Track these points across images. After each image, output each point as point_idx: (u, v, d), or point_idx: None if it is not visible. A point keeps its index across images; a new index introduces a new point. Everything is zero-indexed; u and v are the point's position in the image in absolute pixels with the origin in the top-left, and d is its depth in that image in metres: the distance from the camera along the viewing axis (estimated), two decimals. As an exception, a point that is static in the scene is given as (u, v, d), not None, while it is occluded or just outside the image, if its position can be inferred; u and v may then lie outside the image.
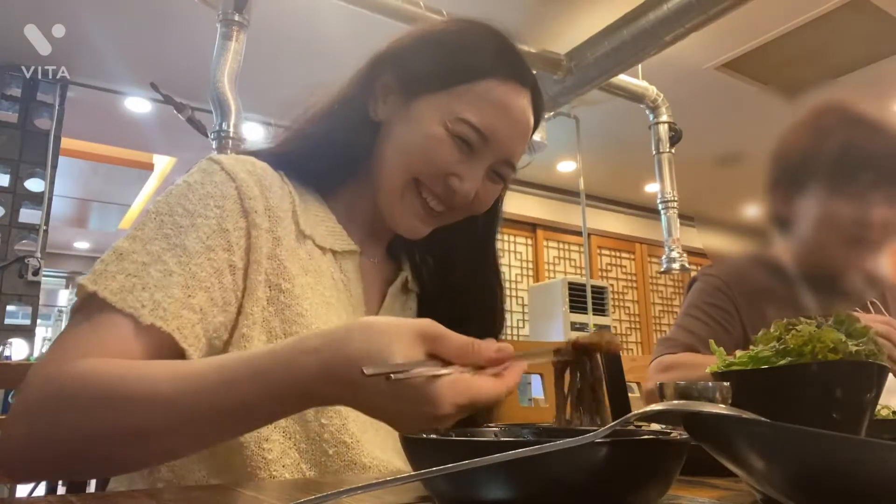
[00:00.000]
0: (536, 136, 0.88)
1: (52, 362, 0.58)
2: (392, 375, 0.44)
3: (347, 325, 0.51)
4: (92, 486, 0.80)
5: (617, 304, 5.71)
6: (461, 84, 0.77)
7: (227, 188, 0.70)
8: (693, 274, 1.35)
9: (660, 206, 3.57)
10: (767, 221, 1.18)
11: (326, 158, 0.80)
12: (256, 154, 0.80)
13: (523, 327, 5.21)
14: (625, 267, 5.95)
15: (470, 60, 0.78)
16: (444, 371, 0.47)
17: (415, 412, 0.48)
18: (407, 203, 0.77)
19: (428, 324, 0.50)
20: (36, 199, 3.46)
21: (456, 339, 0.49)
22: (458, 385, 0.47)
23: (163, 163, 5.19)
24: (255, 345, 0.68)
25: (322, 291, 0.75)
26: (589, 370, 0.54)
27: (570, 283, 4.82)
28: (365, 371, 0.45)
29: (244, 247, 0.69)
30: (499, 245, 0.91)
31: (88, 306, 0.61)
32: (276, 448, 0.66)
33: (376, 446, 0.71)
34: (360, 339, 0.49)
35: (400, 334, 0.48)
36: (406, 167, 0.77)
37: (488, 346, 0.50)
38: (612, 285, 5.60)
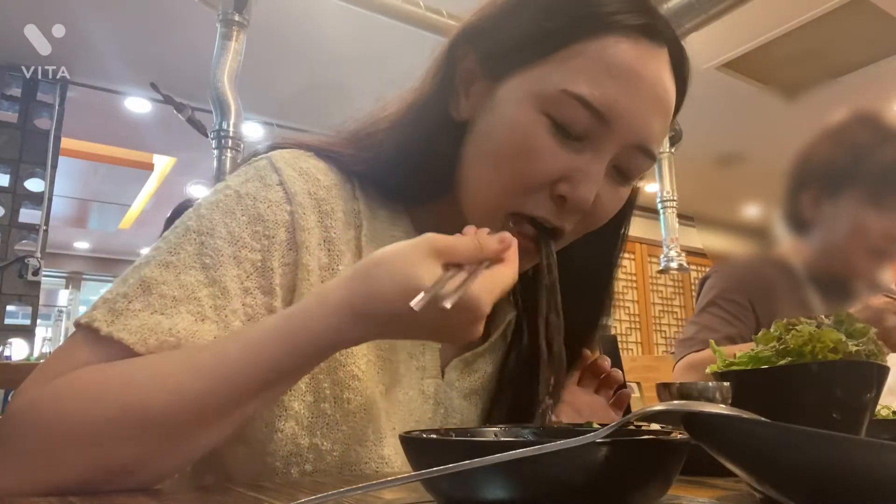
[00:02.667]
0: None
1: (30, 386, 0.49)
2: (446, 303, 0.44)
3: (362, 268, 0.50)
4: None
5: (617, 304, 5.71)
6: (562, 48, 0.56)
7: (279, 213, 0.59)
8: (703, 273, 1.37)
9: (659, 206, 3.56)
10: (780, 221, 1.20)
11: (408, 175, 0.64)
12: (330, 156, 0.65)
13: (523, 327, 5.20)
14: (625, 267, 5.94)
15: (573, 12, 0.57)
16: (479, 275, 0.48)
17: (457, 321, 0.48)
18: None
19: (432, 238, 0.49)
20: (36, 199, 3.46)
21: (463, 245, 0.50)
22: (486, 283, 0.48)
23: (163, 163, 5.19)
24: (297, 410, 0.59)
25: (381, 344, 0.63)
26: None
27: (570, 283, 4.81)
28: (414, 307, 0.44)
29: (287, 286, 0.59)
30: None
31: (93, 339, 0.51)
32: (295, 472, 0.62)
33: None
34: (384, 277, 0.48)
35: (416, 258, 0.48)
36: (492, 178, 0.59)
37: (492, 240, 0.51)
38: (612, 285, 5.60)
